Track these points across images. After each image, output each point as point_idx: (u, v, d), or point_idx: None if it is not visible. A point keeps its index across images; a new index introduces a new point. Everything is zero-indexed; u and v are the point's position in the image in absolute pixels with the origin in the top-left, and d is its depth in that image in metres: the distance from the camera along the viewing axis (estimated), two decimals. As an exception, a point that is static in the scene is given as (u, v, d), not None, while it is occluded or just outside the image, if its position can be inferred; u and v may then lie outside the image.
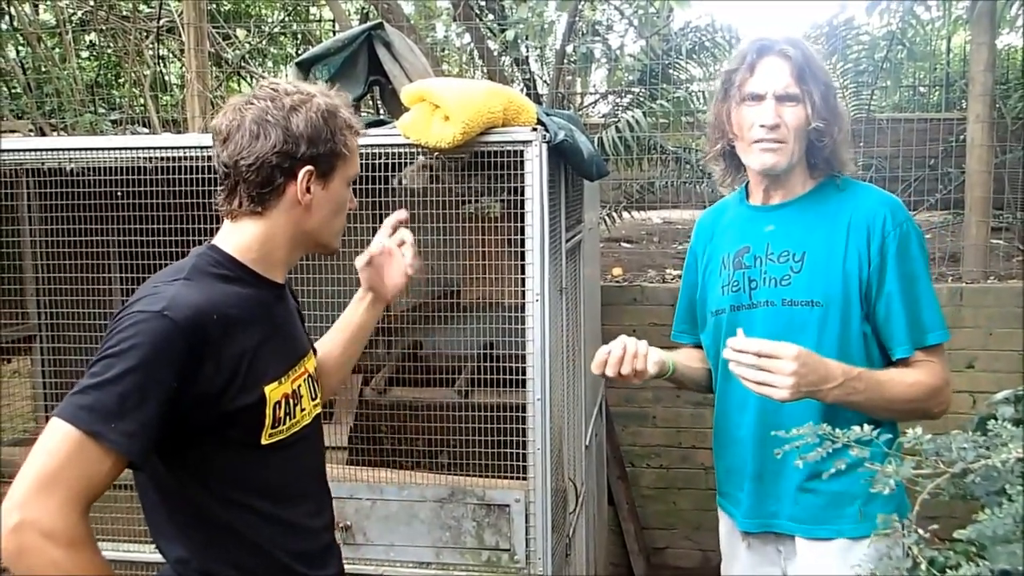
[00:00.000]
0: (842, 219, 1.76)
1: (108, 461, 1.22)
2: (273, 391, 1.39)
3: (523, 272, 2.12)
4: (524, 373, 2.13)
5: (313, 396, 1.54)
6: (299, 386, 1.48)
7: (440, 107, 2.04)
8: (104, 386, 1.22)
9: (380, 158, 2.15)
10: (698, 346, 2.03)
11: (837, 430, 1.33)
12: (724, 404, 1.91)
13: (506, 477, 2.22)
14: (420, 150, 2.12)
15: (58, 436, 1.20)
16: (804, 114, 1.73)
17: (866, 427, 1.33)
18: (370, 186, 2.13)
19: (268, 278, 1.46)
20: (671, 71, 5.19)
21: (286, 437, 1.43)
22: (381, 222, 2.93)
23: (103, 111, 5.75)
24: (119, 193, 2.32)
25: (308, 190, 1.41)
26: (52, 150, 2.34)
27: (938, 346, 1.74)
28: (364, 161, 2.14)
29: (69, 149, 2.31)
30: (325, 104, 1.41)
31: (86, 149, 2.30)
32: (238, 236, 1.43)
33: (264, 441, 1.38)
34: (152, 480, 1.39)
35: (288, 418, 1.43)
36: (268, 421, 1.38)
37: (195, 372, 1.28)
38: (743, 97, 1.76)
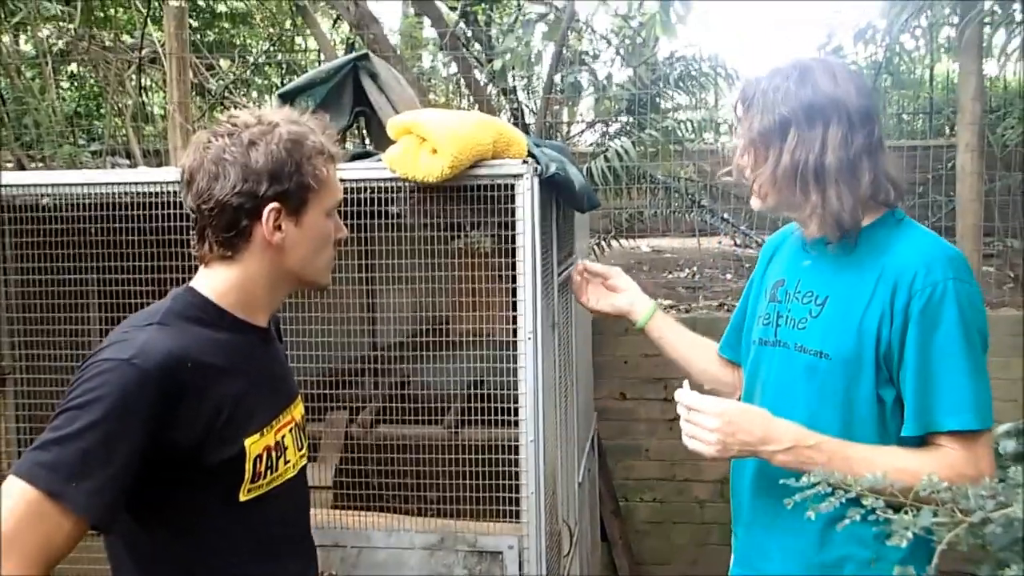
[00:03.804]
0: (876, 267, 1.55)
1: (68, 523, 1.13)
2: (254, 444, 1.31)
3: (514, 309, 2.05)
4: (515, 410, 2.05)
5: (299, 447, 1.45)
6: (283, 437, 1.39)
7: (427, 140, 1.99)
8: (65, 441, 1.13)
9: (366, 192, 2.08)
10: (727, 360, 1.95)
11: (848, 477, 1.25)
12: None
13: (498, 516, 2.13)
14: (408, 184, 2.06)
15: (14, 495, 1.11)
16: (757, 159, 1.58)
17: (879, 473, 1.26)
18: (355, 220, 2.06)
19: (250, 322, 1.37)
20: (658, 100, 5.17)
21: (267, 491, 1.34)
22: (368, 258, 2.88)
23: (83, 142, 5.67)
24: (93, 230, 2.24)
25: (279, 228, 1.31)
26: (25, 185, 2.26)
27: (970, 434, 1.46)
28: (349, 195, 2.08)
29: (43, 184, 2.24)
30: (288, 133, 1.31)
31: (60, 185, 2.22)
32: (214, 280, 1.35)
33: (243, 498, 1.30)
34: (123, 539, 1.30)
35: (269, 472, 1.34)
36: (247, 476, 1.30)
37: (168, 425, 1.20)
38: None
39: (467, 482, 2.20)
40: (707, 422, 1.47)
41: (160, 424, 1.19)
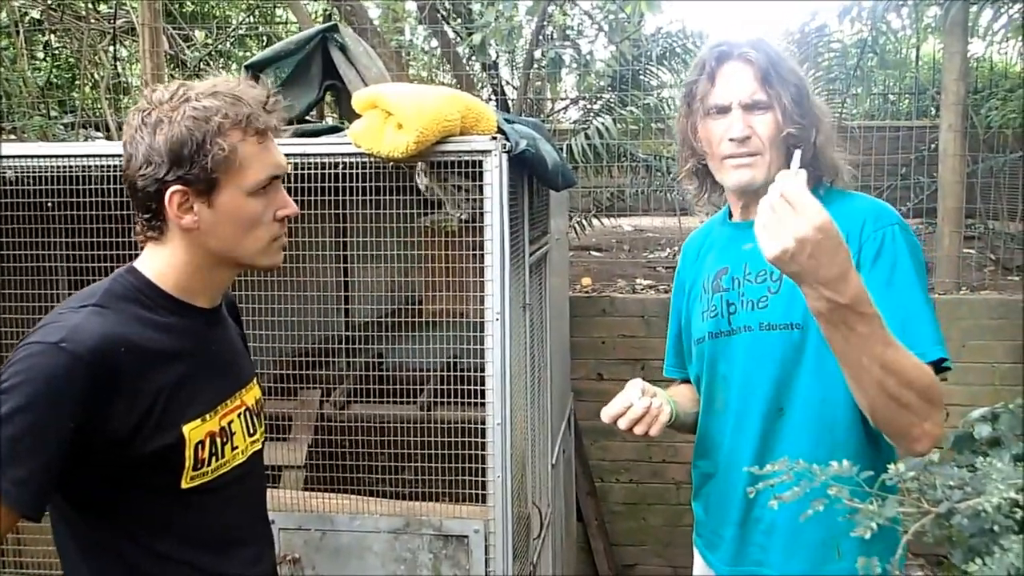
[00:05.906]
0: None
1: None
2: (195, 430, 1.25)
3: (484, 289, 2.01)
4: (485, 392, 2.01)
5: (251, 431, 1.39)
6: (230, 422, 1.33)
7: (393, 114, 1.93)
8: None
9: (330, 168, 2.03)
10: (688, 381, 1.82)
11: (814, 466, 1.22)
12: (705, 440, 1.71)
13: (468, 497, 2.10)
14: (374, 159, 2.00)
15: None
16: (775, 120, 1.55)
17: (845, 463, 1.23)
18: (319, 197, 2.00)
19: (193, 304, 1.31)
20: (642, 77, 5.11)
21: (213, 479, 1.29)
22: (338, 235, 2.82)
23: (56, 114, 5.55)
24: (59, 204, 2.18)
25: (191, 211, 1.24)
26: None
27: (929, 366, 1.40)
28: (315, 171, 2.02)
29: (5, 156, 2.17)
30: (193, 109, 1.21)
31: (22, 156, 2.15)
32: (152, 261, 1.30)
33: (184, 485, 1.24)
34: (67, 527, 1.25)
35: (214, 459, 1.28)
36: (188, 464, 1.24)
37: (102, 411, 1.14)
38: (707, 110, 1.60)
39: (438, 465, 2.17)
40: (796, 227, 1.20)
41: (92, 411, 1.14)
